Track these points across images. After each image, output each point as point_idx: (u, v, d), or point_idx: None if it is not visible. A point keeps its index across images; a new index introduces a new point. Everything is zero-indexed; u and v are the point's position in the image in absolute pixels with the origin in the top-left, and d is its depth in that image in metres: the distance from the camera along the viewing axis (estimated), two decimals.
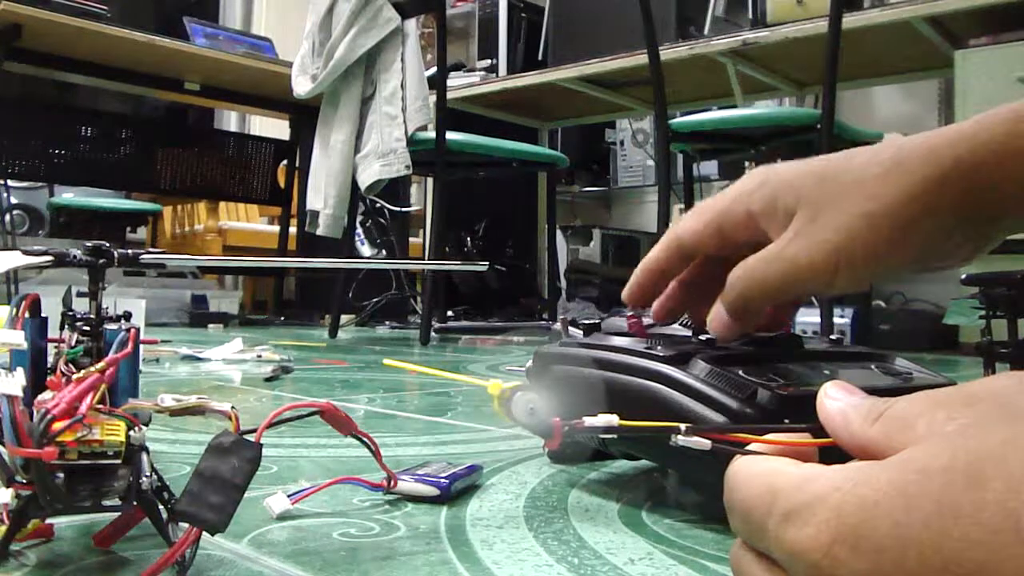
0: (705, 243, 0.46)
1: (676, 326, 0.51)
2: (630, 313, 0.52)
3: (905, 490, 0.21)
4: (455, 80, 3.05)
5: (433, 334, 2.20)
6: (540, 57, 3.19)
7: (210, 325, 2.77)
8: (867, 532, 0.21)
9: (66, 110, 3.29)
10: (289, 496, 0.47)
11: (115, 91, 3.34)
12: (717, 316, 0.45)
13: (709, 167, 2.92)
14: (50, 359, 0.40)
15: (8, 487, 0.33)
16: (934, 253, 0.39)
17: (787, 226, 0.40)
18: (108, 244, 0.40)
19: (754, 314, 0.44)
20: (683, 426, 0.30)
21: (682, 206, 2.46)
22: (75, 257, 0.39)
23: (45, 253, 0.39)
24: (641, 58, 2.25)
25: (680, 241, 0.47)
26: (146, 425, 0.37)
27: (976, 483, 0.20)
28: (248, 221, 4.15)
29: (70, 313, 0.40)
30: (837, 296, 2.13)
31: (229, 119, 4.42)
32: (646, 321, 0.52)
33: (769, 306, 0.45)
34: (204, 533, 0.34)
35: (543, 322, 2.79)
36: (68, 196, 3.61)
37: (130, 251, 0.41)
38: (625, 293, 0.50)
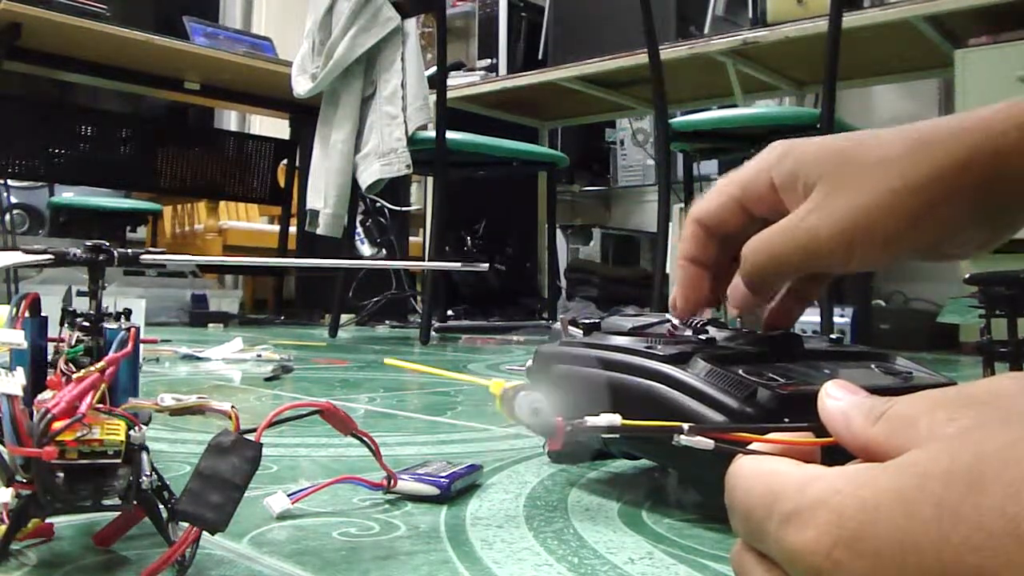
0: (727, 219, 0.45)
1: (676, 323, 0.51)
2: (676, 324, 0.50)
3: (905, 494, 0.20)
4: (455, 80, 3.04)
5: (433, 333, 2.20)
6: (540, 57, 3.19)
7: (210, 324, 2.77)
8: (867, 535, 0.20)
9: (66, 109, 3.29)
10: (289, 495, 0.47)
11: (115, 90, 3.34)
12: (736, 287, 0.45)
13: (709, 166, 2.91)
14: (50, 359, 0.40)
15: (8, 486, 0.33)
16: (951, 238, 0.39)
17: (806, 200, 0.40)
18: (108, 243, 0.40)
19: (768, 287, 0.44)
20: (686, 426, 0.30)
21: (682, 206, 2.46)
22: (75, 255, 0.39)
23: (45, 252, 0.39)
24: (641, 58, 2.25)
25: (701, 220, 0.46)
26: (146, 424, 0.37)
27: (976, 487, 0.19)
28: (248, 221, 4.15)
29: (70, 310, 0.40)
30: (837, 295, 2.13)
31: (229, 119, 4.42)
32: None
33: (785, 280, 0.44)
34: (204, 532, 0.34)
35: (543, 321, 2.79)
36: (68, 195, 3.61)
37: (130, 251, 0.41)
38: (680, 300, 0.48)
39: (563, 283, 3.28)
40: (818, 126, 1.82)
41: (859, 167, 0.39)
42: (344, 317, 2.54)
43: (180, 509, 0.33)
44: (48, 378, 0.35)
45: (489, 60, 3.26)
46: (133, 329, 0.38)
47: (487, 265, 0.62)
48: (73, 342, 0.39)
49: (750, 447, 0.29)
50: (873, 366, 0.49)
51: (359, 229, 3.13)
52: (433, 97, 2.13)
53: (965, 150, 0.36)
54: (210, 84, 3.15)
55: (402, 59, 2.10)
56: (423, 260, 3.09)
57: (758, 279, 0.43)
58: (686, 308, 0.48)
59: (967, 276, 0.69)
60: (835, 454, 0.26)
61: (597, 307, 3.05)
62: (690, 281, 0.47)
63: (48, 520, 0.39)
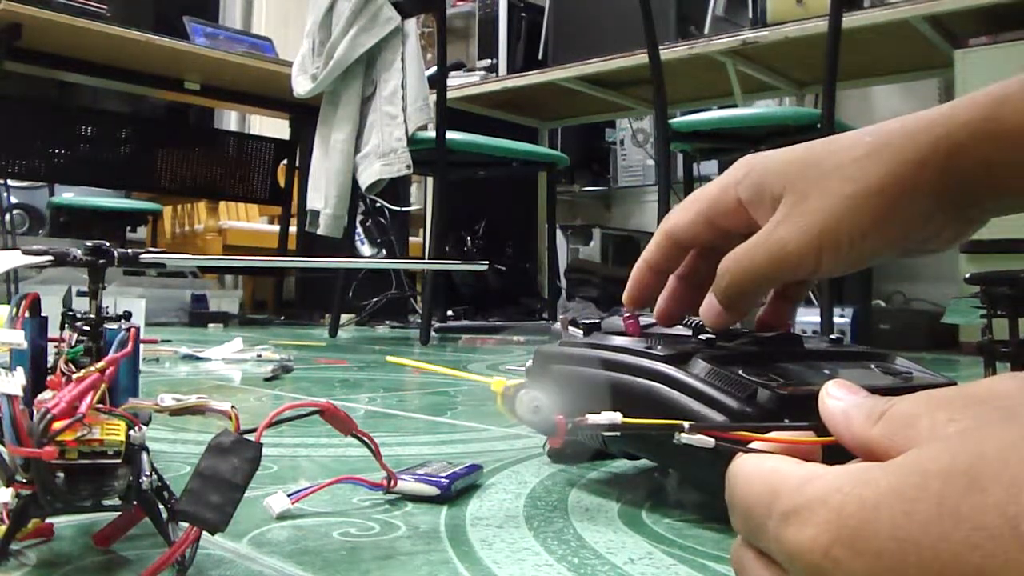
0: (697, 234, 0.46)
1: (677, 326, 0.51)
2: (627, 314, 0.52)
3: (905, 493, 0.20)
4: (455, 80, 3.04)
5: (433, 333, 2.20)
6: (540, 57, 3.19)
7: (210, 324, 2.77)
8: (867, 534, 0.20)
9: (66, 109, 3.29)
10: (289, 495, 0.47)
11: (115, 91, 3.34)
12: (709, 306, 0.45)
13: (709, 167, 2.92)
14: (50, 359, 0.40)
15: (8, 486, 0.33)
16: (916, 235, 0.39)
17: (774, 212, 0.41)
18: (108, 244, 0.40)
19: (745, 302, 0.44)
20: (687, 424, 0.30)
21: None
22: (75, 256, 0.39)
23: (45, 253, 0.39)
24: (641, 58, 2.25)
25: (672, 234, 0.47)
26: (146, 425, 0.37)
27: (976, 487, 0.19)
28: (248, 221, 4.15)
29: (70, 313, 0.40)
30: (837, 295, 2.13)
31: (229, 119, 4.42)
32: (644, 321, 0.52)
33: (761, 294, 0.45)
34: (204, 532, 0.34)
35: (543, 321, 2.79)
36: (68, 196, 3.61)
37: (130, 251, 0.41)
38: (625, 296, 0.51)
39: (563, 283, 3.28)
40: (818, 126, 1.82)
41: (820, 174, 0.39)
42: (344, 317, 2.54)
43: (180, 509, 0.33)
44: (48, 378, 0.35)
45: (489, 60, 3.26)
46: (133, 329, 0.38)
47: (487, 264, 0.63)
48: (73, 342, 0.39)
49: (751, 446, 0.29)
50: (873, 366, 0.49)
51: (359, 229, 3.13)
52: (433, 97, 2.13)
53: (922, 146, 0.37)
54: (210, 84, 3.15)
55: (402, 59, 2.10)
56: (423, 260, 3.09)
57: (735, 295, 0.44)
58: (629, 302, 0.51)
59: (968, 276, 0.69)
60: (836, 454, 0.26)
61: (597, 307, 3.05)
62: (635, 279, 0.50)
63: (48, 520, 0.39)
